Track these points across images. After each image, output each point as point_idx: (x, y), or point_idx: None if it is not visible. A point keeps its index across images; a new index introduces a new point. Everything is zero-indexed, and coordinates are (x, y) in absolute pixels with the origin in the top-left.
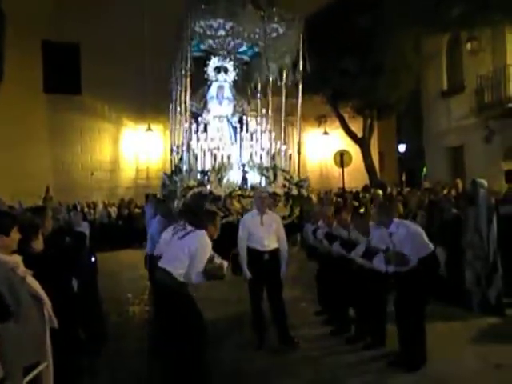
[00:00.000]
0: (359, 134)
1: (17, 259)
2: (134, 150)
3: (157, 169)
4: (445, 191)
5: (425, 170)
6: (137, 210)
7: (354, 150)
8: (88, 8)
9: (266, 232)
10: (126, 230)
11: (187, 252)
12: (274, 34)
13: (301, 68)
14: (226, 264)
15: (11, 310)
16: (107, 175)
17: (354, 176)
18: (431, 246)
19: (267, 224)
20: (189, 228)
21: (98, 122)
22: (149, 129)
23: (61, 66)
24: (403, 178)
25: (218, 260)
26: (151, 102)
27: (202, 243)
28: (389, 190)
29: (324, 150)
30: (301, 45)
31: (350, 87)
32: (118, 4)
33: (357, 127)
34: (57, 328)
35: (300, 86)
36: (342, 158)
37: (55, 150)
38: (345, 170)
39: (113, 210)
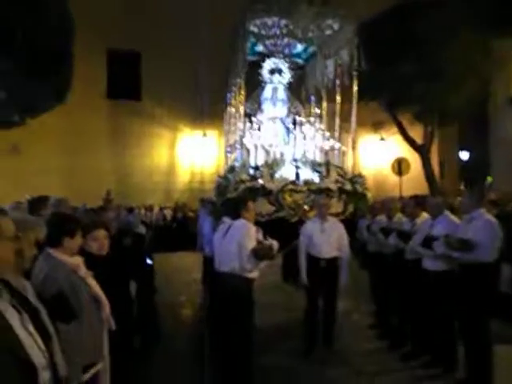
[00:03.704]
0: (419, 141)
1: (78, 261)
2: (189, 154)
3: (211, 173)
4: None
5: (489, 179)
6: (191, 214)
7: (413, 158)
8: (149, 18)
9: (325, 239)
10: (180, 233)
11: (235, 245)
12: (329, 31)
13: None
14: (276, 244)
15: (75, 312)
16: (163, 179)
17: (412, 184)
18: (496, 256)
19: (328, 231)
20: (227, 223)
21: (155, 128)
22: (204, 134)
23: (123, 73)
24: (461, 187)
25: (267, 241)
26: (207, 108)
27: (242, 231)
28: (449, 200)
29: (380, 156)
30: (355, 40)
31: (409, 93)
32: (177, 14)
33: (416, 134)
34: (114, 330)
35: (355, 83)
36: (399, 166)
37: (116, 153)
38: (402, 178)
39: (168, 213)
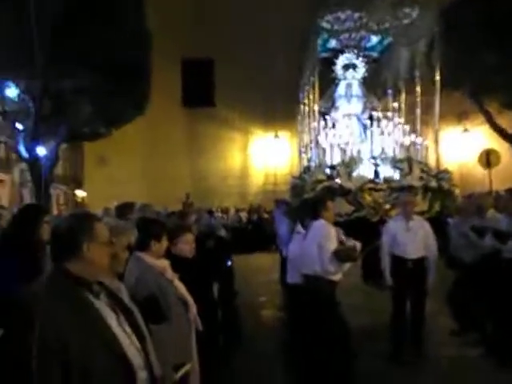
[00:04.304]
0: (509, 130)
1: (165, 263)
2: (262, 156)
3: (284, 174)
4: None
5: None
6: (265, 215)
7: (503, 149)
8: (220, 25)
9: (411, 239)
10: (256, 235)
11: (315, 247)
12: (406, 20)
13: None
14: (358, 245)
15: (165, 314)
16: (238, 181)
17: (503, 177)
18: None
19: (413, 230)
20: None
21: (229, 132)
22: (276, 136)
23: (198, 81)
24: None
25: (350, 242)
26: (279, 110)
27: (321, 232)
28: None
29: (464, 149)
30: (436, 28)
31: (497, 80)
32: (247, 17)
33: (505, 122)
34: (201, 330)
35: (437, 73)
36: (488, 158)
37: (192, 158)
38: (492, 170)
39: (243, 215)
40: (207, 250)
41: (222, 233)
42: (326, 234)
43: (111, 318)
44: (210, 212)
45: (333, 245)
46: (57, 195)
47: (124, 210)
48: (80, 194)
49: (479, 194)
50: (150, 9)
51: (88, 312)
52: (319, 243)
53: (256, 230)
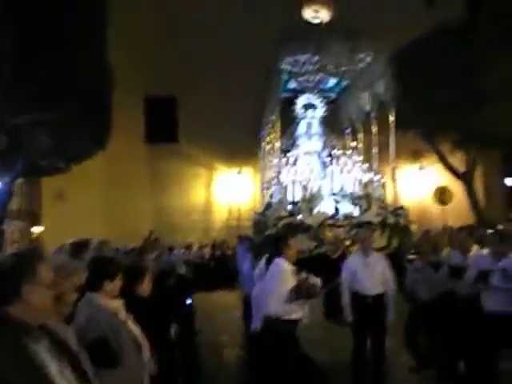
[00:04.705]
0: (461, 169)
1: (118, 304)
2: (226, 192)
3: (248, 210)
4: None
5: None
6: (229, 252)
7: (455, 186)
8: (184, 62)
9: (370, 275)
10: (219, 271)
11: (272, 286)
12: (362, 64)
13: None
14: (319, 282)
15: (117, 357)
16: (201, 217)
17: (456, 214)
18: None
19: (372, 266)
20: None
21: (192, 167)
22: (240, 172)
23: (161, 117)
24: (511, 216)
25: (311, 278)
26: (242, 147)
27: (279, 271)
28: (499, 226)
29: (420, 187)
30: (390, 71)
31: (448, 120)
32: (210, 55)
33: (457, 162)
34: (155, 375)
35: (392, 113)
36: (442, 195)
37: (155, 194)
38: (446, 207)
39: (206, 251)
40: (166, 288)
41: (183, 270)
42: (283, 274)
43: (51, 364)
44: (171, 249)
45: (289, 284)
46: (11, 231)
47: (79, 247)
48: (36, 230)
49: (435, 233)
50: (114, 46)
51: (25, 358)
52: (276, 283)
53: (219, 266)
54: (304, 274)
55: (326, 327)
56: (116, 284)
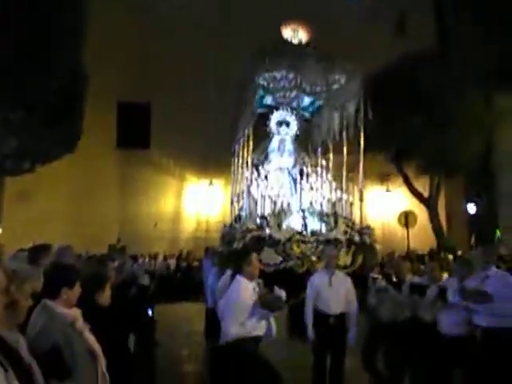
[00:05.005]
0: (425, 194)
1: (76, 313)
2: (195, 203)
3: (217, 221)
4: None
5: (498, 233)
6: (195, 263)
7: (419, 210)
8: (158, 70)
9: (333, 294)
10: (184, 283)
11: (230, 305)
12: (336, 86)
13: (362, 116)
14: (284, 294)
15: (70, 368)
16: (169, 227)
17: (419, 237)
18: None
19: (336, 285)
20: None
21: (163, 176)
22: (211, 183)
23: (133, 124)
24: (472, 241)
25: (276, 291)
26: (213, 158)
27: (237, 289)
28: (459, 252)
29: (387, 209)
30: (362, 94)
31: (415, 145)
32: (185, 65)
33: (422, 186)
34: None
35: (362, 135)
36: (406, 219)
37: (123, 201)
38: (410, 230)
39: (172, 262)
40: (127, 298)
41: (145, 281)
42: (242, 292)
43: None
44: (135, 258)
45: (249, 302)
46: None
47: (38, 253)
48: None
49: (397, 260)
50: (88, 49)
51: None
52: (234, 301)
53: (184, 278)
54: (262, 288)
55: (290, 344)
56: (74, 292)
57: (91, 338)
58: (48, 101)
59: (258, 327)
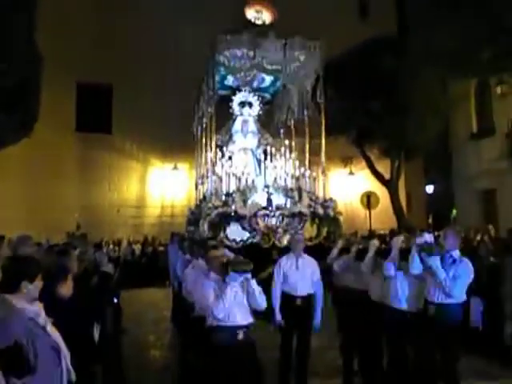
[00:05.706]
0: (386, 175)
1: (37, 307)
2: (160, 188)
3: (182, 205)
4: (478, 237)
5: (454, 212)
6: (161, 248)
7: (381, 192)
8: (119, 51)
9: (300, 277)
10: (150, 268)
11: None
12: (295, 64)
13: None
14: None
15: (31, 365)
16: (133, 212)
17: (381, 218)
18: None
19: (302, 268)
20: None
21: (126, 161)
22: (175, 167)
23: (93, 106)
24: (430, 221)
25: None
26: (178, 142)
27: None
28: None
29: (350, 191)
30: (320, 72)
31: (376, 128)
32: (146, 47)
33: (384, 168)
34: (74, 382)
35: (323, 117)
36: (368, 200)
37: (84, 186)
38: (372, 211)
39: (137, 248)
40: (89, 288)
41: (109, 268)
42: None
43: None
44: (99, 245)
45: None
46: None
47: None
48: None
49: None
50: (43, 27)
51: None
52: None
53: (150, 263)
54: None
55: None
56: (36, 285)
57: (55, 333)
58: (1, 82)
59: (235, 314)
